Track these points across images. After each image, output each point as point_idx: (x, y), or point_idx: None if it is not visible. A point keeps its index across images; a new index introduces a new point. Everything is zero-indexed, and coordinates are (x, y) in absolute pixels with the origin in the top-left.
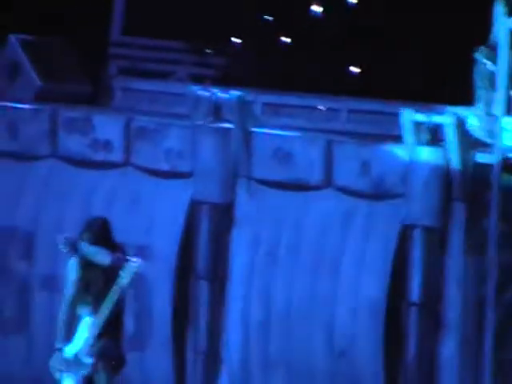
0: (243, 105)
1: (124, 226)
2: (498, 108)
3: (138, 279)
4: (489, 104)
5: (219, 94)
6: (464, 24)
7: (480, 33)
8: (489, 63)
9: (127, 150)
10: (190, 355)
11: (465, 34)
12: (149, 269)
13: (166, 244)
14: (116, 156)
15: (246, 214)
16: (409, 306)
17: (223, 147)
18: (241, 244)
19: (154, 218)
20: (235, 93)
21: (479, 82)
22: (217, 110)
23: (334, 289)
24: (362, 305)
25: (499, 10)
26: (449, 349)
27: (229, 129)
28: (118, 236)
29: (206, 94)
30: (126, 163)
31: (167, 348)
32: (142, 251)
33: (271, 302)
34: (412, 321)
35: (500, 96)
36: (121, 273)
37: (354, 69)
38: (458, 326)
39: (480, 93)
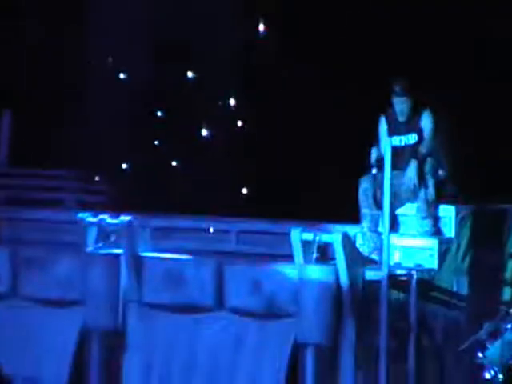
0: (132, 230)
1: (12, 358)
2: (384, 226)
3: None
4: (374, 222)
5: (108, 219)
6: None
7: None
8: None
9: (14, 280)
10: None
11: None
12: None
13: (56, 374)
14: (2, 287)
15: (138, 339)
16: None
17: (113, 273)
18: (133, 369)
19: (43, 348)
20: (124, 218)
21: (363, 200)
22: (106, 236)
23: None
24: None
25: (383, 128)
26: None
27: (118, 255)
28: (7, 368)
29: (95, 220)
30: (13, 294)
31: None
32: (31, 383)
33: None
34: None
35: (385, 214)
36: None
37: (243, 190)
38: None
39: (365, 211)
